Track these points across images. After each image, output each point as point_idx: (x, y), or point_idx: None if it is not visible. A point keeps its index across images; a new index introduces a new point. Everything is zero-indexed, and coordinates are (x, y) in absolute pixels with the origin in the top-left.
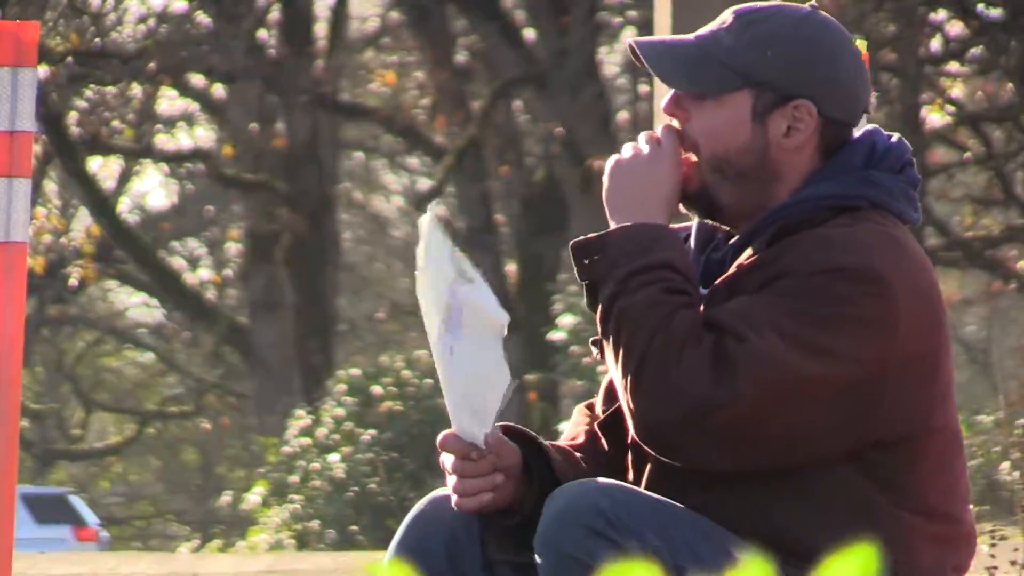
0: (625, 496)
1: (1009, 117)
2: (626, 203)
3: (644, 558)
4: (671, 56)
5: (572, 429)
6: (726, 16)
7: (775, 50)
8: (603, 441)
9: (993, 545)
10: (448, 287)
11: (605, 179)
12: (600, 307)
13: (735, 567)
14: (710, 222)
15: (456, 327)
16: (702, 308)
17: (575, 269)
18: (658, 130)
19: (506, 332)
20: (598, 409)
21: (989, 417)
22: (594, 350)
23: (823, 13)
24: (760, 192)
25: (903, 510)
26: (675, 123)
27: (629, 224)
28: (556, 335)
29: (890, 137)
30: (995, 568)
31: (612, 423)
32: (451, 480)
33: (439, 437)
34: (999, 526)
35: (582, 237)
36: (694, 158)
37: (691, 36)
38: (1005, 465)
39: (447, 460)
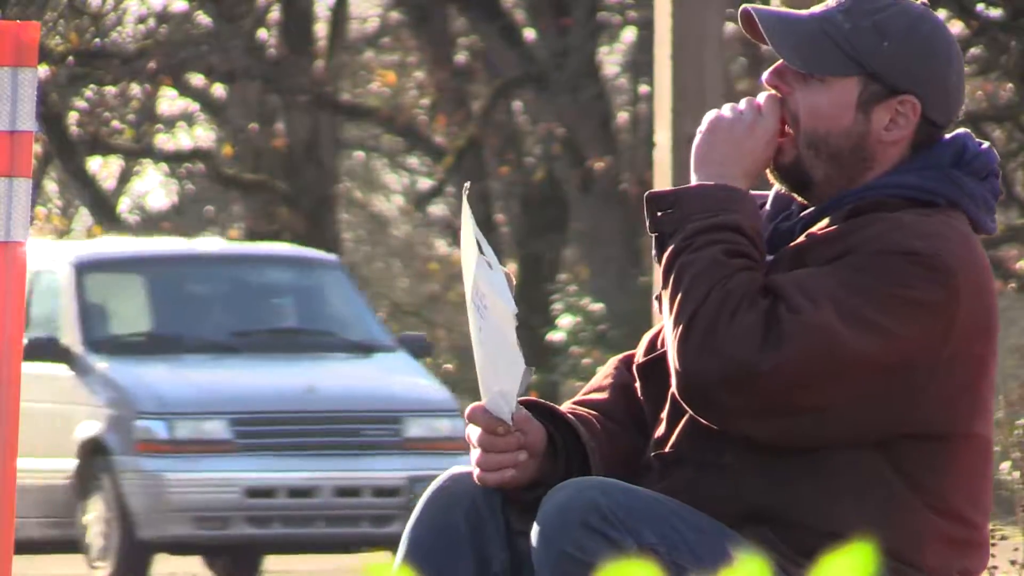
0: (622, 493)
1: (1009, 117)
2: (713, 162)
3: (641, 555)
4: (788, 30)
5: (599, 379)
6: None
7: (892, 42)
8: (637, 386)
9: (993, 545)
10: (475, 267)
11: (700, 132)
12: (665, 259)
13: (733, 562)
14: (793, 195)
15: (482, 306)
16: (766, 273)
17: (647, 220)
18: (760, 97)
19: (515, 323)
20: (638, 358)
21: None
22: (656, 304)
23: (934, 12)
24: (849, 176)
25: (923, 507)
26: (775, 94)
27: (708, 184)
28: (556, 335)
29: (980, 144)
30: (995, 568)
31: (653, 367)
32: (475, 453)
33: (468, 409)
34: (999, 526)
35: (658, 189)
36: (790, 131)
37: (805, 12)
38: (1005, 465)
39: (473, 433)
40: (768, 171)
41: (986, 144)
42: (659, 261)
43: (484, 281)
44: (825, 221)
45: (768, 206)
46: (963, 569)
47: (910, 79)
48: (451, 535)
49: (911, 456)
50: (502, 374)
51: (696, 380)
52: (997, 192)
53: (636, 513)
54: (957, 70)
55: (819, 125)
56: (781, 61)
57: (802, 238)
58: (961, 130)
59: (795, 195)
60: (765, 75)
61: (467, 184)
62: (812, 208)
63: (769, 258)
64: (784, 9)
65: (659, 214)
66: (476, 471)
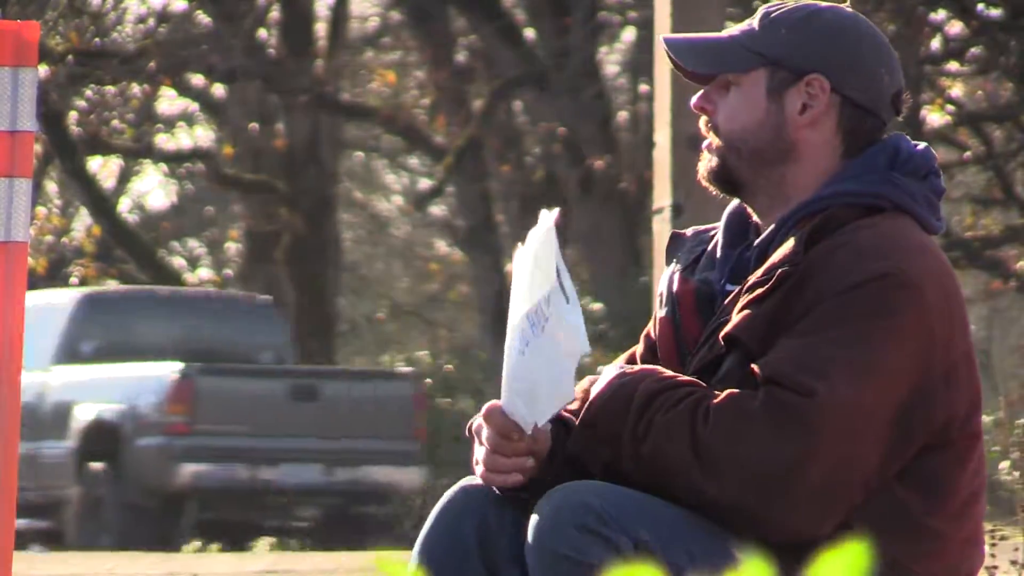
0: (616, 495)
1: (1009, 117)
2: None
3: (636, 556)
4: (694, 45)
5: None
6: (758, 11)
7: (789, 30)
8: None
9: (993, 545)
10: (547, 292)
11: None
12: (627, 468)
13: (730, 564)
14: (745, 210)
15: (538, 326)
16: (737, 309)
17: (591, 467)
18: None
19: (579, 361)
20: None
21: (989, 417)
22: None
23: (854, 11)
24: (779, 172)
25: (934, 516)
26: (704, 118)
27: (602, 391)
28: None
29: (916, 145)
30: (995, 568)
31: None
32: (481, 451)
33: (485, 407)
34: (999, 526)
35: (571, 443)
36: (718, 141)
37: (725, 33)
38: (1005, 465)
39: (484, 431)
40: (703, 180)
41: (922, 145)
42: (626, 473)
43: (554, 308)
44: (786, 246)
45: (721, 233)
46: (968, 570)
47: (813, 58)
48: (461, 550)
49: (925, 468)
50: (540, 393)
51: (748, 508)
52: (939, 191)
53: (631, 513)
54: (867, 49)
55: (735, 124)
56: (704, 87)
57: (761, 273)
58: (894, 132)
59: (730, 196)
60: (692, 100)
61: (556, 211)
62: (764, 235)
63: (732, 288)
64: (698, 35)
65: (588, 449)
66: (480, 468)
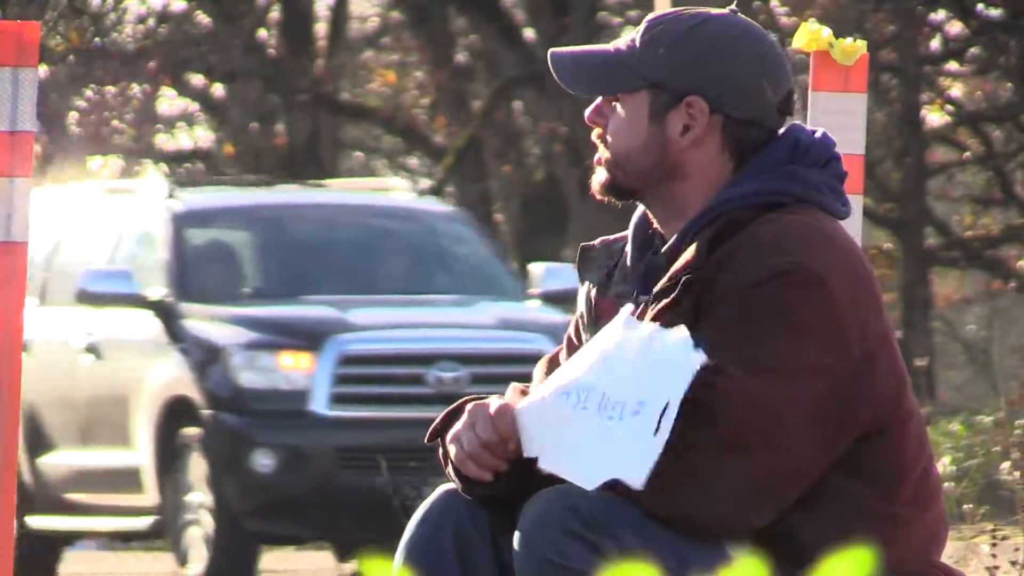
0: (603, 498)
1: (1009, 117)
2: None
3: (622, 559)
4: (579, 64)
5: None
6: (642, 24)
7: (667, 47)
8: None
9: (993, 545)
10: (642, 404)
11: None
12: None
13: (719, 566)
14: (648, 218)
15: (606, 413)
16: (647, 320)
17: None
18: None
19: (618, 480)
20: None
21: (989, 417)
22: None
23: (740, 16)
24: (667, 188)
25: (891, 503)
26: (596, 131)
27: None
28: None
29: (813, 132)
30: (996, 568)
31: None
32: (468, 436)
33: (498, 405)
34: (999, 526)
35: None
36: (607, 155)
37: (611, 46)
38: (1005, 465)
39: (483, 424)
40: (597, 194)
41: (820, 132)
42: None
43: (636, 423)
44: (688, 252)
45: (630, 244)
46: (937, 549)
47: (690, 80)
48: (439, 556)
49: (866, 457)
50: (563, 448)
51: (675, 519)
52: (841, 175)
53: (618, 518)
54: (746, 64)
55: (620, 144)
56: (598, 99)
57: (666, 281)
58: (791, 123)
59: (629, 200)
60: (587, 113)
61: (702, 357)
62: (670, 242)
63: (645, 297)
64: (584, 47)
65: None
66: (458, 450)
